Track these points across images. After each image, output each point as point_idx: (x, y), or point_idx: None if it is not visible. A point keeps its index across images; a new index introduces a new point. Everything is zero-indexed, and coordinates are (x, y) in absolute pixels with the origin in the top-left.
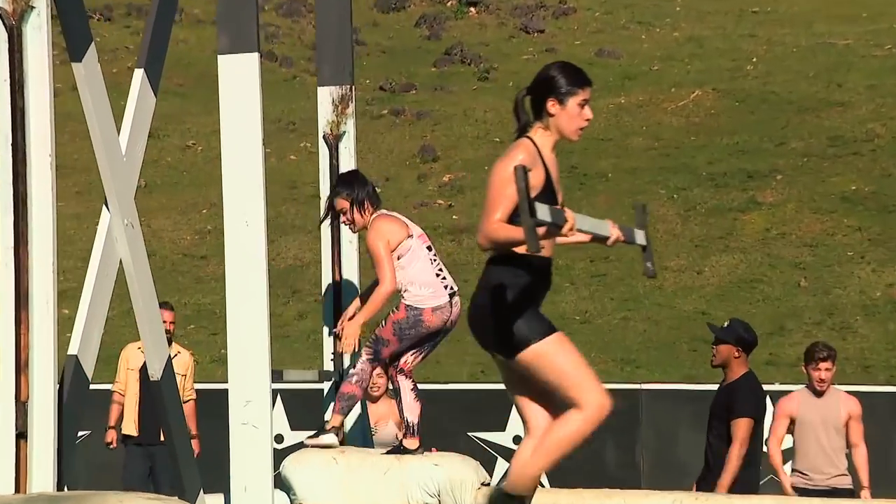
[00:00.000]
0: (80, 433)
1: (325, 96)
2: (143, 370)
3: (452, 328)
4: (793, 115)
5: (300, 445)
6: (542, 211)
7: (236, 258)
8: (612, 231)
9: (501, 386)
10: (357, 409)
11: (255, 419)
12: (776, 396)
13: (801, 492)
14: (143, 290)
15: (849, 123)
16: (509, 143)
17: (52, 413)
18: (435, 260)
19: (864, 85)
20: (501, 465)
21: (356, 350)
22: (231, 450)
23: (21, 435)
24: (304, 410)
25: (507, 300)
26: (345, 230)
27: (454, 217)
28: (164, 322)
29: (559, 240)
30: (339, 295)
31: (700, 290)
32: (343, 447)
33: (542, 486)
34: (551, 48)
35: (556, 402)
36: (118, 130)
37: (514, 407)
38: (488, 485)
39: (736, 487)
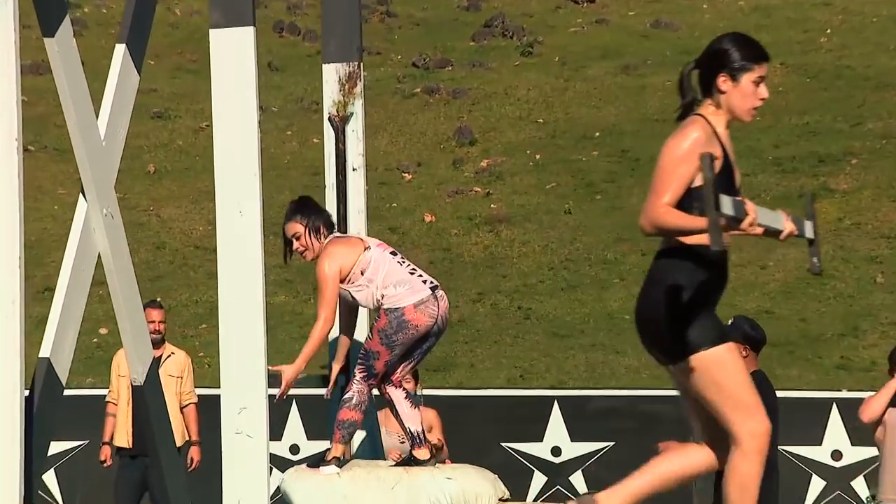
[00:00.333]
0: (77, 443)
1: (331, 74)
2: None
3: (445, 328)
4: (870, 93)
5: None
6: (726, 204)
7: (229, 251)
8: (786, 224)
9: (540, 392)
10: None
11: (249, 428)
12: (843, 405)
13: None
14: (124, 286)
15: None
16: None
17: (18, 420)
18: (404, 262)
19: None
20: (538, 479)
21: (283, 398)
22: (223, 461)
23: None
24: (321, 418)
25: (680, 299)
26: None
27: (492, 206)
28: (154, 322)
29: (731, 232)
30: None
31: (764, 286)
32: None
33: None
34: (602, 19)
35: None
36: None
37: (552, 415)
38: (508, 500)
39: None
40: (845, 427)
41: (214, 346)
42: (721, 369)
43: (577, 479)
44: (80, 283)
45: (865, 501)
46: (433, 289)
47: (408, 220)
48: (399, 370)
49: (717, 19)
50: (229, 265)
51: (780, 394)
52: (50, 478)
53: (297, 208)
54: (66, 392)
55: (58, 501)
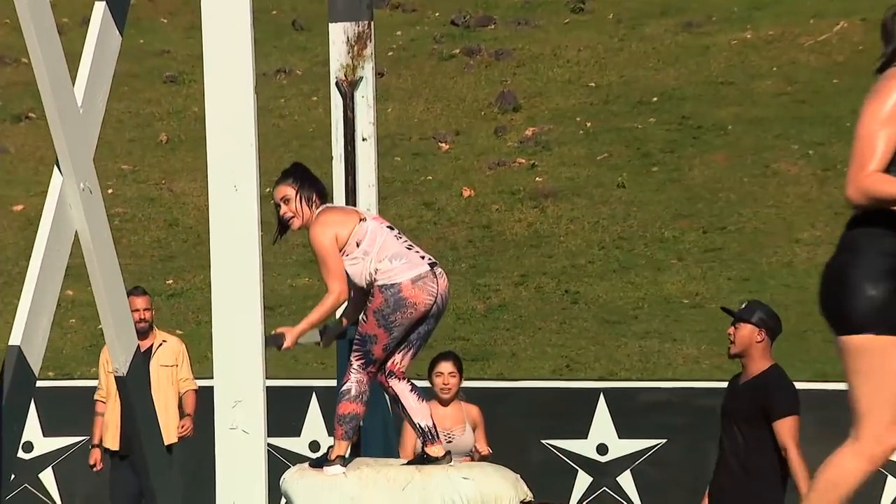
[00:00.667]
0: (78, 439)
1: (339, 34)
2: None
3: (444, 307)
4: None
5: None
6: None
7: (223, 230)
8: None
9: (586, 384)
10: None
11: (245, 423)
12: None
13: None
14: (104, 268)
15: None
16: (606, 89)
17: None
18: (401, 236)
19: None
20: (583, 480)
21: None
22: (217, 459)
23: None
24: None
25: (867, 269)
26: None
27: (538, 179)
28: (138, 310)
29: None
30: None
31: None
32: (356, 458)
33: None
34: None
35: None
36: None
37: (598, 409)
38: (530, 502)
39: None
40: None
41: None
42: (876, 361)
43: (626, 480)
44: (55, 265)
45: None
46: (432, 265)
47: (444, 194)
48: (399, 359)
49: None
50: (223, 245)
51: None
52: (48, 476)
53: (291, 172)
54: (66, 384)
55: (56, 502)
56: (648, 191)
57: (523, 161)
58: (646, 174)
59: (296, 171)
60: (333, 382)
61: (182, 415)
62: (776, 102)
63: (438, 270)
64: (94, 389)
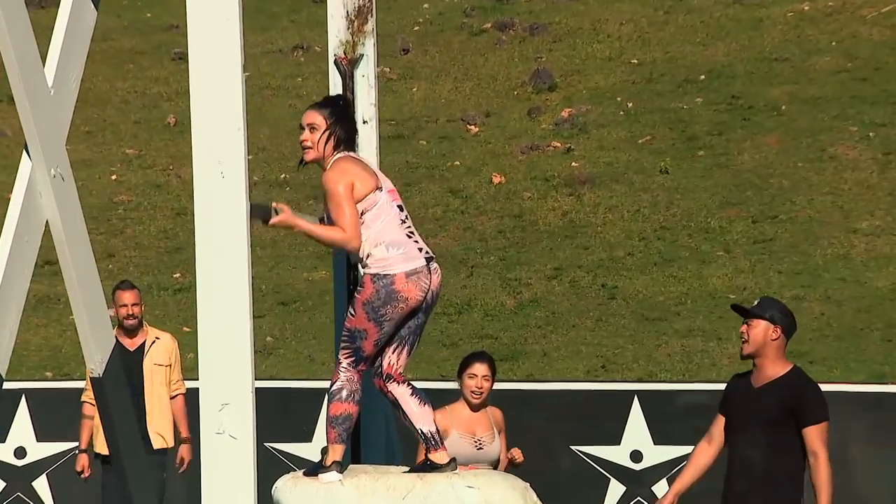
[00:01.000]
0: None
1: (337, 8)
2: None
3: (434, 304)
4: None
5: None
6: None
7: (208, 220)
8: None
9: (619, 386)
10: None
11: (233, 427)
12: None
13: None
14: (77, 259)
15: None
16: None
17: None
18: (406, 221)
19: None
20: (615, 489)
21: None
22: (202, 465)
23: None
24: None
25: None
26: None
27: (573, 164)
28: (126, 305)
29: None
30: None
31: None
32: (354, 465)
33: None
34: None
35: None
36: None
37: (631, 413)
38: None
39: None
40: None
41: None
42: None
43: (662, 489)
44: (24, 257)
45: None
46: (428, 259)
47: (472, 180)
48: (395, 360)
49: None
50: (208, 237)
51: None
52: (41, 484)
53: (331, 103)
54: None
55: None
56: (694, 177)
57: (558, 145)
58: (691, 159)
59: (336, 104)
60: None
61: (177, 434)
62: (834, 80)
63: (434, 266)
64: None
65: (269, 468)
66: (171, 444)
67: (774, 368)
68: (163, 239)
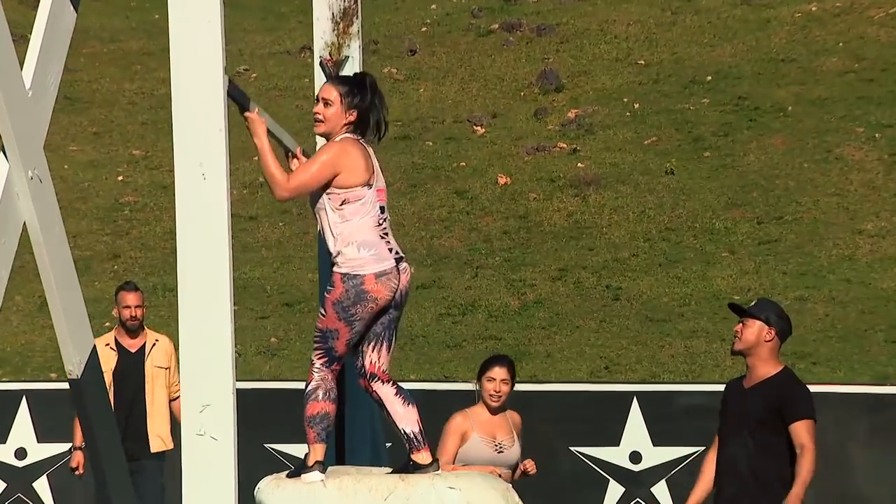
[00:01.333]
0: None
1: (323, 10)
2: (115, 373)
3: (404, 302)
4: None
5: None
6: None
7: (189, 222)
8: None
9: (619, 387)
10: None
11: (214, 428)
12: None
13: None
14: (55, 262)
15: None
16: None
17: None
18: (383, 223)
19: None
20: (614, 490)
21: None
22: (183, 468)
23: None
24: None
25: None
26: None
27: (580, 165)
28: (129, 307)
29: None
30: None
31: None
32: (337, 467)
33: None
34: None
35: None
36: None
37: (630, 414)
38: None
39: None
40: None
41: (246, 331)
42: None
43: (661, 491)
44: (1, 259)
45: None
46: (398, 260)
47: (478, 181)
48: (377, 358)
49: None
50: (189, 238)
51: None
52: (42, 485)
53: (356, 82)
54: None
55: None
56: (699, 178)
57: (564, 146)
58: (697, 160)
59: (361, 83)
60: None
61: (177, 435)
62: (841, 81)
63: (403, 266)
64: None
65: (271, 469)
66: (170, 446)
67: (765, 369)
68: (168, 240)
